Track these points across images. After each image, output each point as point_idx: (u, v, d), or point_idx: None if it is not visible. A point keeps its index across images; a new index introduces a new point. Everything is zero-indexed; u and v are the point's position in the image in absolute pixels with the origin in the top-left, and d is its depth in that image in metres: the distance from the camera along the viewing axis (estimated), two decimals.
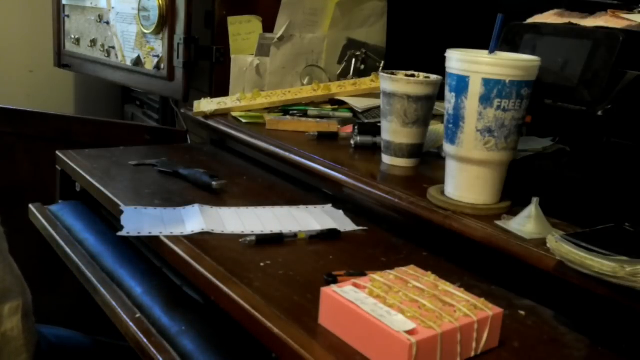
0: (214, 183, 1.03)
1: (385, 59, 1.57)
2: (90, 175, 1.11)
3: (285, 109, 1.36)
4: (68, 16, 1.87)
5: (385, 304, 0.59)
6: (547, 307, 0.70)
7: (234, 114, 1.33)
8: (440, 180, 0.86)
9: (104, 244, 1.09)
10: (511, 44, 0.85)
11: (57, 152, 1.26)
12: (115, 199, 0.99)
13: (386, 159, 1.04)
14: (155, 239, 0.85)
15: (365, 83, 1.45)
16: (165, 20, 1.48)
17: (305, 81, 1.55)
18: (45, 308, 1.07)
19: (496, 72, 0.75)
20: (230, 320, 0.71)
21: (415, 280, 0.64)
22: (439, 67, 0.86)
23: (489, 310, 0.59)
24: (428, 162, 1.05)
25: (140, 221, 0.90)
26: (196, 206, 0.95)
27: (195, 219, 0.90)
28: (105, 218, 1.19)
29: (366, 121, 1.31)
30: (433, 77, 1.02)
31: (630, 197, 0.74)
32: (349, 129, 1.25)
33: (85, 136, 1.64)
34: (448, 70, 0.80)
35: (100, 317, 1.00)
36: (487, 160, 0.79)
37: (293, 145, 1.12)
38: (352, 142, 1.17)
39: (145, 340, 0.83)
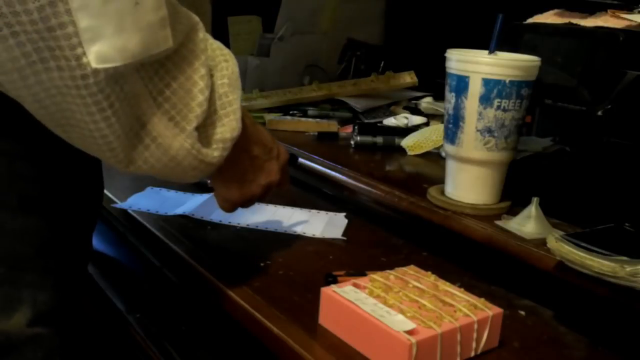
0: (209, 182, 1.04)
1: (385, 59, 1.57)
2: None
3: (285, 109, 1.36)
4: None
5: (385, 304, 0.59)
6: (547, 307, 0.70)
7: None
8: (440, 180, 0.86)
9: (104, 243, 1.09)
10: (511, 44, 0.85)
11: None
12: (115, 199, 0.99)
13: None
14: (155, 238, 0.85)
15: (365, 83, 1.45)
16: None
17: (305, 81, 1.56)
18: None
19: (496, 72, 0.75)
20: (230, 320, 0.71)
21: (415, 280, 0.64)
22: (438, 67, 0.86)
23: (489, 310, 0.59)
24: (428, 162, 1.05)
25: (144, 198, 0.97)
26: (211, 195, 0.96)
27: (191, 205, 0.93)
28: (105, 218, 1.19)
29: (366, 121, 1.32)
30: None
31: (630, 197, 0.74)
32: (349, 129, 1.25)
33: None
34: (448, 70, 0.80)
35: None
36: (487, 160, 0.79)
37: (293, 145, 1.12)
38: (352, 142, 1.17)
39: (145, 340, 0.83)
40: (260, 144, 0.70)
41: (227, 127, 0.60)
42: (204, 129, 0.59)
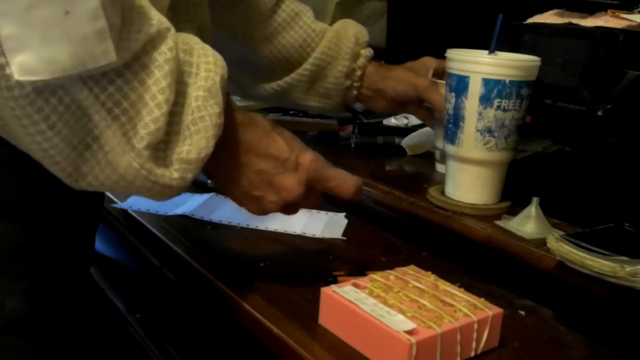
0: (209, 181, 1.04)
1: (385, 59, 1.57)
2: None
3: (285, 109, 1.36)
4: None
5: (385, 304, 0.59)
6: (547, 307, 0.70)
7: None
8: (440, 180, 0.86)
9: (104, 243, 1.09)
10: (511, 44, 0.85)
11: None
12: (115, 199, 0.99)
13: (441, 168, 0.98)
14: (155, 238, 0.85)
15: None
16: None
17: None
18: None
19: (496, 72, 0.75)
20: (230, 320, 0.71)
21: (415, 280, 0.64)
22: None
23: (489, 310, 0.59)
24: (428, 162, 1.05)
25: (144, 198, 0.94)
26: (211, 195, 0.97)
27: (191, 205, 0.93)
28: (105, 218, 1.19)
29: (366, 121, 1.31)
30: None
31: (630, 197, 0.74)
32: (349, 129, 1.25)
33: None
34: (448, 70, 0.80)
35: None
36: (487, 160, 0.79)
37: None
38: (352, 142, 1.17)
39: (145, 340, 0.83)
40: (269, 156, 0.62)
41: (194, 147, 0.54)
42: (162, 146, 0.53)
